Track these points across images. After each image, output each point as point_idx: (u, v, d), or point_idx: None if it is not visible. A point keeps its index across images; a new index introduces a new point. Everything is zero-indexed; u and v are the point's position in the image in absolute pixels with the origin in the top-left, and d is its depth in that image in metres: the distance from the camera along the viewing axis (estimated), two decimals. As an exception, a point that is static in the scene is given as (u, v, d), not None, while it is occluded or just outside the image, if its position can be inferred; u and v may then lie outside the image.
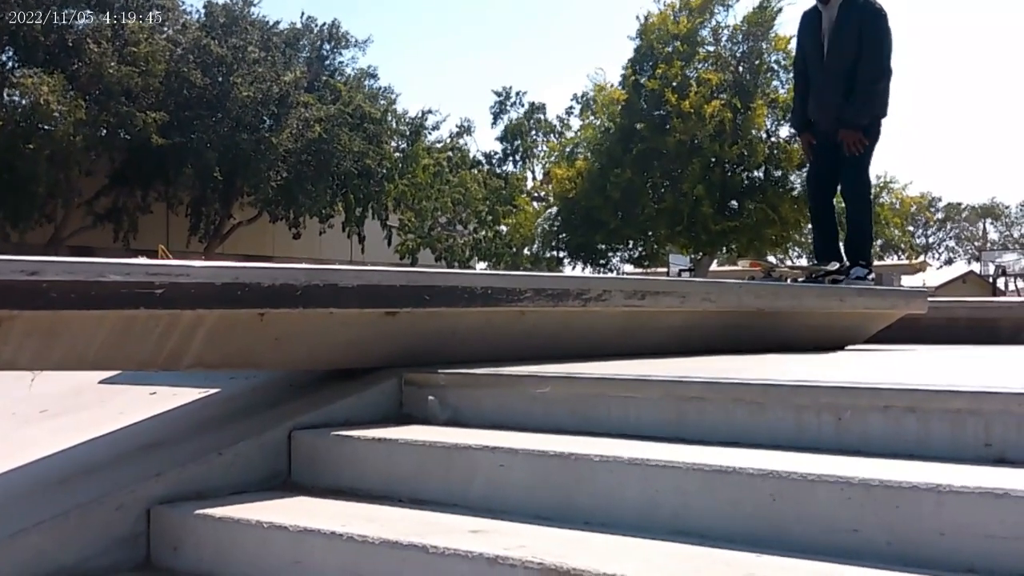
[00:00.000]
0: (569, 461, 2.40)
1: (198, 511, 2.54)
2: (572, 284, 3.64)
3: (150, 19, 29.70)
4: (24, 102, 29.03)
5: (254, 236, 33.55)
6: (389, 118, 35.44)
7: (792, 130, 28.15)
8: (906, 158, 74.46)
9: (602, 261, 32.41)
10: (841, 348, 5.15)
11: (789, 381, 2.59)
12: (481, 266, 34.78)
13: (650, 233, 30.56)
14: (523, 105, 39.16)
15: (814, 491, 2.07)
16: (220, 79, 30.41)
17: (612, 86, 30.96)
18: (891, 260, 38.09)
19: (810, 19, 6.33)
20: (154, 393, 3.66)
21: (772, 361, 3.78)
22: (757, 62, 30.30)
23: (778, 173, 30.06)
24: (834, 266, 6.17)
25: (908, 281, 26.57)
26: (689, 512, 2.20)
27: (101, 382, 3.98)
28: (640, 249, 31.87)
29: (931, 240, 78.10)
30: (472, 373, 3.08)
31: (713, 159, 28.98)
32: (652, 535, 2.18)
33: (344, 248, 35.29)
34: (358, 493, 2.71)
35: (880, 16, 6.03)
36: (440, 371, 3.14)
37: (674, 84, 28.78)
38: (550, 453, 2.44)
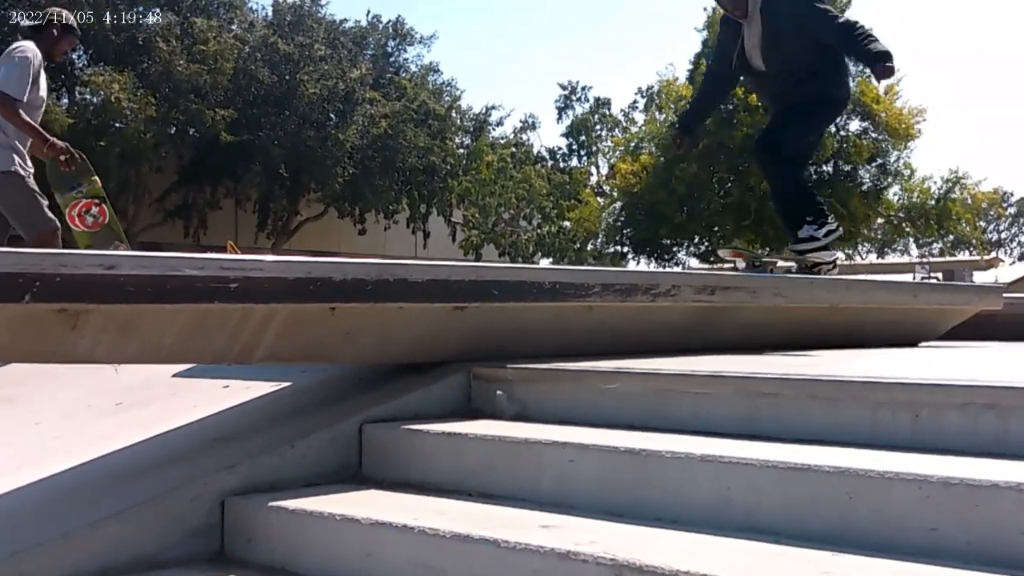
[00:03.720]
0: (640, 457, 2.39)
1: (271, 503, 2.56)
2: (641, 279, 3.62)
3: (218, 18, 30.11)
4: (95, 100, 29.63)
5: (320, 232, 33.86)
6: (453, 114, 35.55)
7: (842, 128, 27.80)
8: (980, 154, 73.00)
9: (667, 256, 32.22)
10: (915, 344, 5.06)
11: (865, 377, 2.55)
12: (545, 261, 34.77)
13: (716, 228, 30.31)
14: (588, 100, 39.07)
15: (891, 489, 2.04)
16: (287, 76, 30.73)
17: (679, 81, 30.75)
18: (963, 256, 37.39)
19: (734, 28, 5.76)
20: (227, 386, 3.71)
21: (845, 357, 3.72)
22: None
23: (847, 168, 29.64)
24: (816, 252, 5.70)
25: (980, 277, 26.06)
26: (762, 509, 2.17)
27: (174, 375, 4.04)
28: (706, 244, 31.65)
29: (1003, 236, 76.46)
30: (540, 368, 3.07)
31: (780, 153, 28.65)
32: (724, 532, 2.16)
33: (408, 244, 35.48)
34: (427, 487, 2.72)
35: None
36: (508, 366, 3.14)
37: (741, 77, 28.52)
38: (620, 449, 2.43)
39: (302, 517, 2.49)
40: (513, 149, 36.33)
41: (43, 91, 6.25)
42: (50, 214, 6.10)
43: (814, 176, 29.54)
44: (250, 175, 30.65)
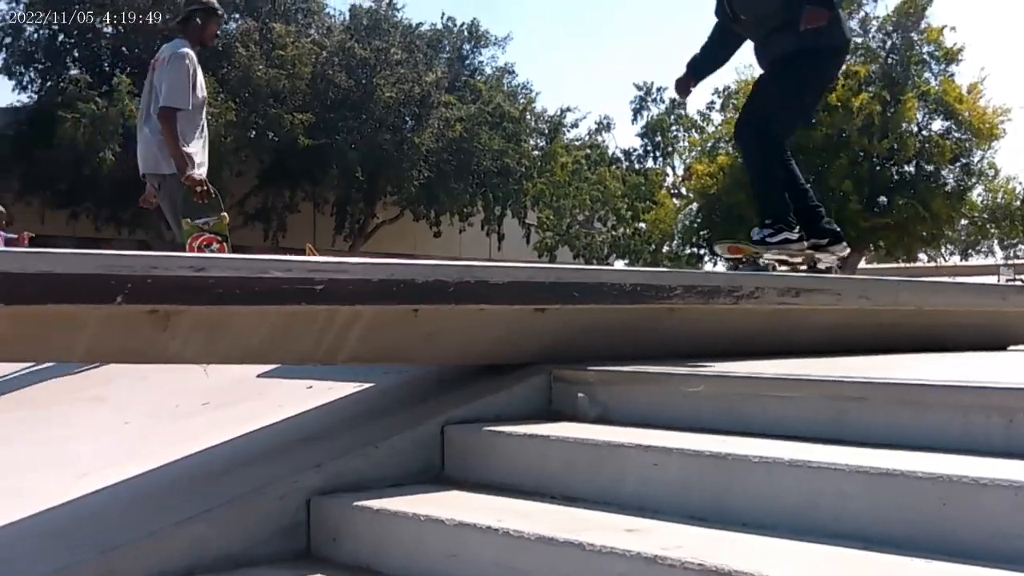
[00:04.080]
0: (725, 461, 2.37)
1: (356, 503, 2.59)
2: (723, 281, 3.58)
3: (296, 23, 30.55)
4: (177, 105, 30.27)
5: (396, 235, 34.14)
6: (528, 116, 35.60)
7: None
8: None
9: (744, 259, 31.87)
10: (1003, 348, 4.94)
11: (955, 381, 2.49)
12: (620, 263, 34.61)
13: (794, 230, 29.91)
14: (663, 100, 38.81)
15: (984, 496, 1.99)
16: (363, 81, 31.07)
17: (755, 80, 30.41)
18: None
19: None
20: (310, 387, 3.76)
21: (930, 360, 3.65)
22: (908, 53, 29.34)
23: (930, 168, 29.05)
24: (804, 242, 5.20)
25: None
26: (850, 515, 2.14)
27: (259, 376, 4.10)
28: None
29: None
30: (622, 370, 3.06)
31: (861, 153, 28.20)
32: (811, 538, 2.13)
33: (483, 246, 35.61)
34: (510, 489, 2.72)
35: None
36: (589, 368, 3.13)
37: (820, 77, 28.10)
38: (705, 453, 2.41)
39: (387, 517, 2.51)
40: (588, 151, 36.25)
41: (202, 89, 6.49)
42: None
43: (895, 176, 29.03)
44: (328, 178, 31.02)
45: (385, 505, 2.55)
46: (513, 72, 36.81)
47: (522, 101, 35.75)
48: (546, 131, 36.57)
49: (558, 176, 34.65)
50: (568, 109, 36.98)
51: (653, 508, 2.42)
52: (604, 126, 38.33)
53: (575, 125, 37.34)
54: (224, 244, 6.05)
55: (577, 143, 36.99)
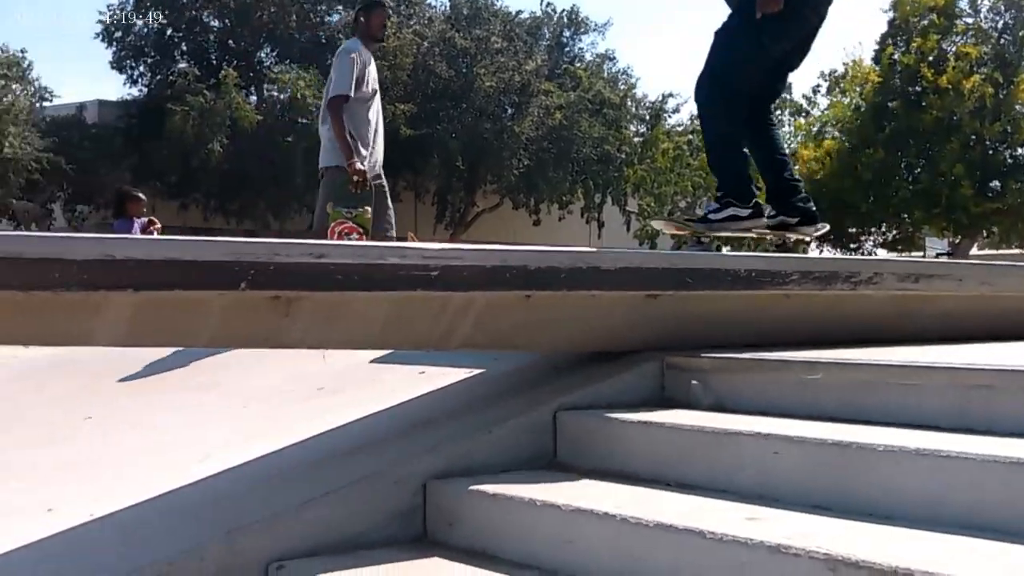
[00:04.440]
0: (849, 450, 2.31)
1: (471, 487, 2.61)
2: (841, 266, 3.51)
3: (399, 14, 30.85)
4: (282, 97, 30.86)
5: (496, 223, 34.28)
6: (628, 103, 35.38)
7: None
8: None
9: (852, 245, 31.16)
10: None
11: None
12: (724, 250, 34.15)
13: (904, 216, 29.12)
14: (766, 85, 38.06)
15: None
16: (464, 70, 31.22)
17: (864, 62, 29.69)
18: None
19: None
20: (423, 372, 3.79)
21: (1060, 349, 3.51)
22: (1021, 33, 28.31)
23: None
24: (768, 219, 4.60)
25: None
26: (983, 506, 2.07)
27: (372, 362, 4.16)
28: (894, 232, 30.45)
29: None
30: (737, 358, 3.02)
31: (973, 137, 27.29)
32: (940, 528, 2.07)
33: (583, 234, 35.52)
34: (624, 475, 2.71)
35: None
36: (703, 355, 3.09)
37: (930, 59, 27.27)
38: (828, 441, 2.36)
39: (502, 502, 2.52)
40: (690, 136, 35.78)
41: (372, 83, 6.67)
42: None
43: (1009, 160, 28.08)
44: (428, 168, 31.29)
45: (500, 490, 2.56)
46: (613, 58, 36.65)
47: (622, 87, 35.54)
48: (647, 117, 36.27)
49: (659, 162, 34.34)
50: (670, 95, 36.63)
51: (773, 497, 2.38)
52: (706, 112, 37.78)
53: (676, 110, 36.90)
54: (364, 236, 6.16)
55: (679, 128, 36.56)
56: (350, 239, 5.97)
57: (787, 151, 4.71)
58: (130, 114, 31.28)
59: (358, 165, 6.36)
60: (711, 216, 4.42)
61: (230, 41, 32.51)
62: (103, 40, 31.97)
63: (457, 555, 2.51)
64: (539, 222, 34.21)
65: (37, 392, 5.56)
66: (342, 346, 3.08)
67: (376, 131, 6.69)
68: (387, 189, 6.82)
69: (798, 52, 4.57)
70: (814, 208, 4.74)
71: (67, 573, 2.61)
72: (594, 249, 3.14)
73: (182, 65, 31.50)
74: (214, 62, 31.74)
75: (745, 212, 4.41)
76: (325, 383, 4.12)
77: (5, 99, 29.97)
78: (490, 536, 2.53)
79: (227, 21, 32.14)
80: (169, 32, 32.21)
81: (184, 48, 32.57)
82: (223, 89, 29.11)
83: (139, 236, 7.65)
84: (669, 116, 36.65)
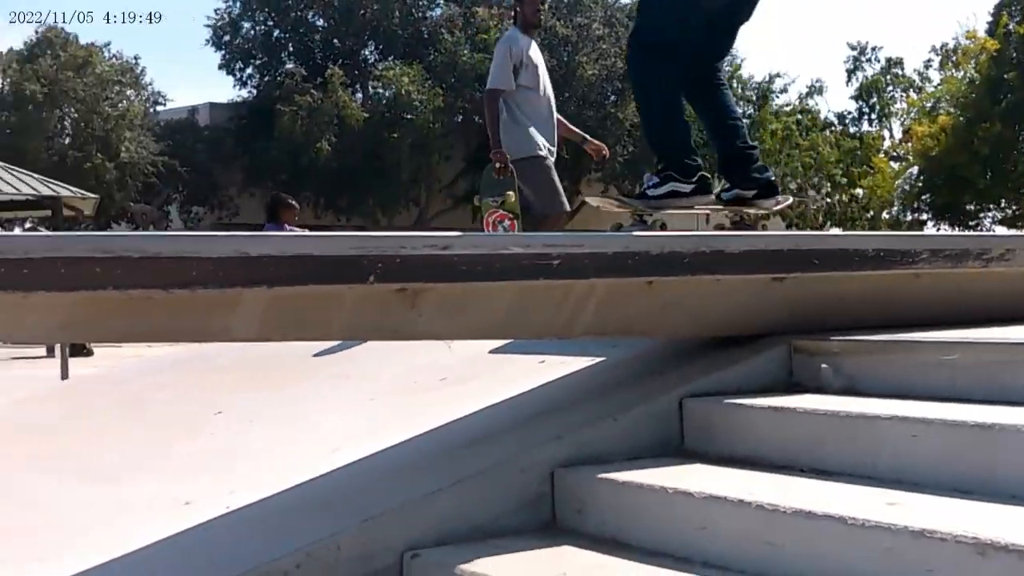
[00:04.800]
0: (991, 432, 2.24)
1: (600, 475, 2.60)
2: (972, 244, 3.40)
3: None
4: (387, 94, 31.29)
5: (601, 211, 34.15)
6: (734, 84, 34.88)
7: None
8: None
9: (971, 223, 30.24)
10: None
11: None
12: (835, 232, 33.46)
13: (1024, 190, 28.18)
14: (879, 60, 37.11)
15: None
16: (565, 59, 31.17)
17: (978, 34, 28.74)
18: None
19: None
20: (542, 361, 3.80)
21: None
22: None
23: None
24: (722, 195, 4.22)
25: None
26: None
27: (491, 352, 4.18)
28: (1013, 208, 29.45)
29: None
30: (868, 340, 2.95)
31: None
32: (1095, 512, 1.99)
33: (690, 219, 35.07)
34: (754, 462, 2.67)
35: None
36: (832, 338, 3.03)
37: (1049, 28, 26.31)
38: (968, 423, 2.29)
39: (632, 489, 2.51)
40: (799, 116, 35.13)
41: (535, 68, 6.62)
42: (563, 198, 6.62)
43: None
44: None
45: (629, 478, 2.55)
46: (719, 40, 36.07)
47: (728, 68, 35.03)
48: (754, 98, 35.70)
49: (768, 144, 33.73)
50: (777, 75, 36.01)
51: (912, 481, 2.32)
52: (815, 90, 37.01)
53: (784, 90, 36.26)
54: (515, 222, 6.24)
55: (787, 108, 35.91)
56: (503, 227, 6.07)
57: (740, 114, 4.14)
58: (240, 116, 32.06)
59: (502, 152, 6.42)
60: (649, 192, 3.99)
61: (335, 40, 33.06)
62: (212, 45, 32.84)
63: (587, 542, 2.51)
64: (647, 208, 33.94)
65: (166, 388, 5.75)
66: (466, 336, 3.10)
67: (549, 113, 6.69)
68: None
69: (745, 2, 4.07)
70: (772, 177, 4.25)
71: (208, 564, 2.69)
72: (717, 232, 3.10)
73: (289, 66, 32.16)
74: (319, 61, 32.32)
75: (687, 187, 3.94)
76: (447, 374, 4.17)
77: (120, 105, 31.07)
78: (620, 523, 2.52)
79: (331, 20, 32.69)
80: (276, 33, 32.90)
81: (290, 49, 33.23)
82: (329, 88, 29.63)
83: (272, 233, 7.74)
84: (776, 96, 36.03)
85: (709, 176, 4.03)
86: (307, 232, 9.01)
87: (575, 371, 3.58)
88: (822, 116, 37.14)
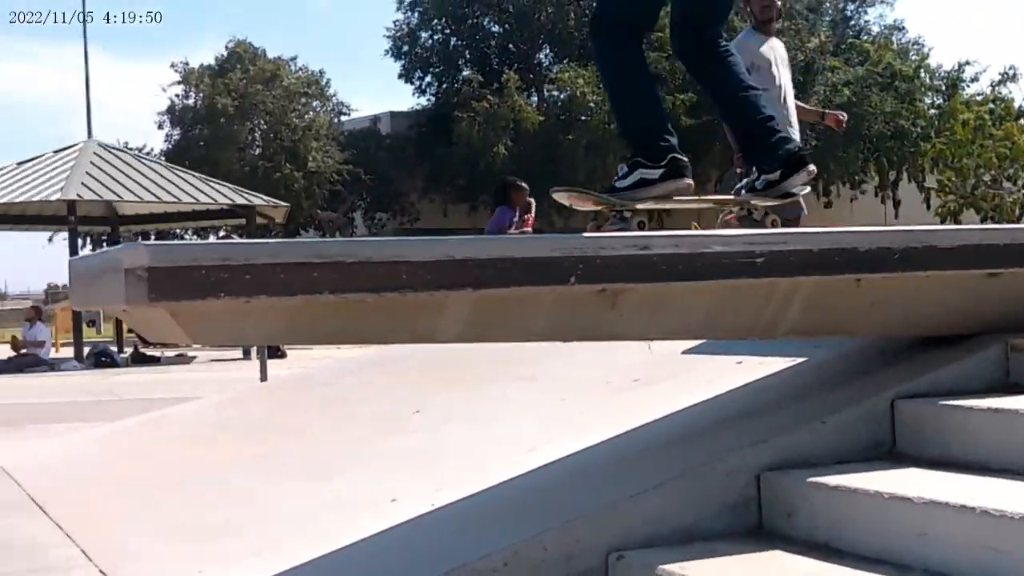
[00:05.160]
0: None
1: (810, 479, 2.53)
2: None
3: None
4: (562, 96, 31.43)
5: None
6: (922, 74, 33.51)
7: None
8: None
9: None
10: None
11: None
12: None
13: None
14: (1078, 41, 34.94)
15: None
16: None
17: None
18: None
19: None
20: (740, 362, 3.73)
21: None
22: None
23: None
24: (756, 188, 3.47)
25: None
26: None
27: (684, 352, 4.13)
28: None
29: None
30: (1096, 337, 2.78)
31: None
32: None
33: (877, 214, 33.94)
34: (971, 465, 2.55)
35: None
36: (1054, 336, 2.87)
37: None
38: None
39: (845, 494, 2.43)
40: (991, 105, 33.42)
41: (768, 66, 6.27)
42: (802, 201, 6.51)
43: None
44: (710, 156, 30.90)
45: (842, 482, 2.47)
46: (903, 28, 34.83)
47: (914, 58, 33.71)
48: (943, 88, 34.20)
49: (959, 135, 32.24)
50: (967, 63, 34.36)
51: None
52: (1009, 77, 35.10)
53: (975, 79, 34.53)
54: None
55: (979, 98, 34.22)
56: (731, 225, 6.00)
57: (751, 84, 3.60)
58: (420, 123, 32.81)
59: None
60: (618, 184, 3.42)
61: (510, 45, 33.44)
62: (392, 55, 33.73)
63: (799, 548, 2.45)
64: (830, 204, 33.00)
65: (362, 388, 5.92)
66: (664, 337, 3.07)
67: (783, 117, 6.47)
68: None
69: None
70: (796, 148, 3.50)
71: (417, 560, 2.75)
72: (928, 227, 2.98)
73: (466, 72, 32.71)
74: (495, 67, 32.75)
75: (655, 173, 3.32)
76: (640, 374, 4.14)
77: (307, 116, 32.29)
78: (833, 528, 2.45)
79: (507, 25, 33.09)
80: (453, 41, 33.53)
81: (467, 56, 33.79)
82: (505, 93, 29.98)
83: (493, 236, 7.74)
84: (967, 85, 34.40)
85: (684, 158, 3.41)
86: (532, 213, 9.03)
87: (776, 372, 3.50)
88: (1016, 105, 35.21)
